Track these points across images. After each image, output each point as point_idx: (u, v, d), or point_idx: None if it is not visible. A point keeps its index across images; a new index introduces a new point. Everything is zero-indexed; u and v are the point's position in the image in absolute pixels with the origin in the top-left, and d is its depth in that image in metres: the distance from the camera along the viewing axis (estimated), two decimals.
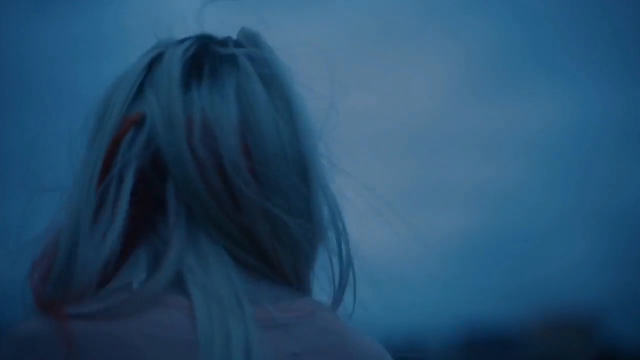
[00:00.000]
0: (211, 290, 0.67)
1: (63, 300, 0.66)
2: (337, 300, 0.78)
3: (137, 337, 0.65)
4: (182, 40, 0.74)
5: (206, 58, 0.73)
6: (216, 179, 0.68)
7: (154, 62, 0.73)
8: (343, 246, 0.77)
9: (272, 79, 0.72)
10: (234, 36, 0.76)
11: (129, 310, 0.65)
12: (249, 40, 0.75)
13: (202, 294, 0.66)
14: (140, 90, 0.72)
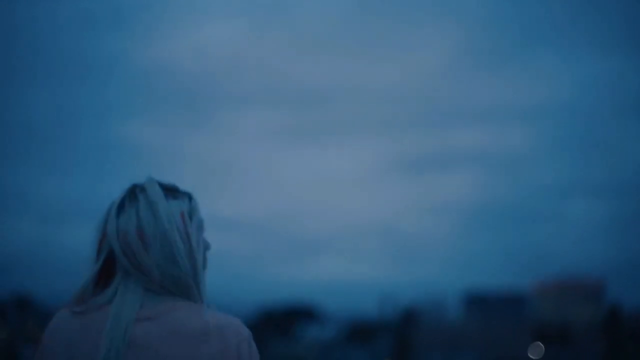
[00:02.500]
0: (118, 303, 1.53)
1: (70, 305, 1.59)
2: (206, 302, 1.61)
3: (82, 324, 1.55)
4: (127, 190, 1.64)
5: (126, 200, 1.60)
6: (130, 255, 1.55)
7: (112, 207, 1.61)
8: (199, 275, 1.59)
9: (153, 202, 1.58)
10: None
11: (87, 312, 1.55)
12: (147, 183, 1.61)
13: (114, 306, 1.53)
14: (107, 219, 1.61)
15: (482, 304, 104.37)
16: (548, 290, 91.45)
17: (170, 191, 1.63)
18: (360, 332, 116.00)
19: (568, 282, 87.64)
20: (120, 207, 1.59)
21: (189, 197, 1.65)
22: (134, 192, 1.60)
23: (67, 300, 1.60)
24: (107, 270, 1.58)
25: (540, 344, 76.18)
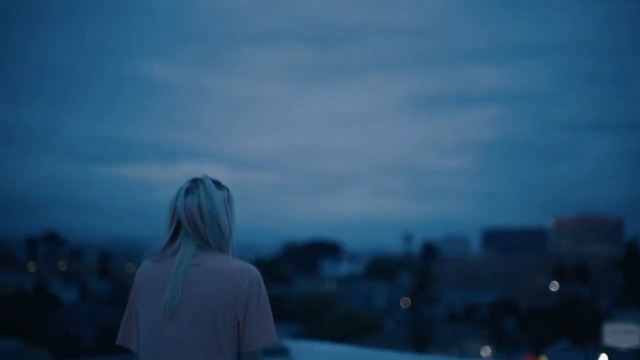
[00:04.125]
0: (181, 254, 2.43)
1: (150, 256, 2.53)
2: (231, 251, 2.53)
3: (158, 269, 2.47)
4: (190, 180, 2.52)
5: (190, 187, 2.49)
6: (192, 224, 2.46)
7: (180, 191, 2.48)
8: (230, 239, 2.49)
9: (208, 190, 2.46)
10: None
11: (161, 260, 2.48)
12: (204, 178, 2.50)
13: (179, 256, 2.44)
14: (177, 198, 2.51)
15: (501, 240, 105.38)
16: (567, 227, 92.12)
17: (216, 184, 2.53)
18: (382, 267, 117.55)
19: (587, 219, 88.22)
20: (187, 191, 2.48)
21: (227, 189, 2.55)
22: (195, 183, 2.51)
23: (149, 253, 2.55)
24: (174, 232, 2.53)
25: (556, 282, 77.32)
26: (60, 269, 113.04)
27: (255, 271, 2.42)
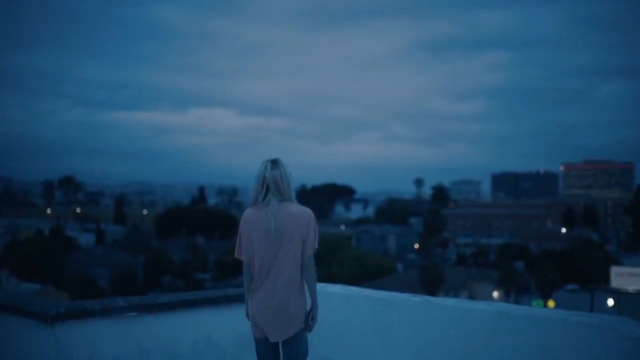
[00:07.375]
0: (272, 205, 4.24)
1: (251, 205, 4.41)
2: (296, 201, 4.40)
3: (259, 213, 4.28)
4: (271, 161, 4.33)
5: (273, 165, 4.29)
6: (275, 187, 4.24)
7: (267, 167, 4.25)
8: (294, 195, 4.32)
9: (284, 167, 4.27)
10: None
11: (259, 208, 4.30)
12: (280, 159, 4.35)
13: (270, 206, 4.24)
14: (265, 171, 4.30)
15: (511, 185, 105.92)
16: (576, 171, 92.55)
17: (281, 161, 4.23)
18: (393, 211, 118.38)
19: (596, 163, 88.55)
20: (272, 168, 4.11)
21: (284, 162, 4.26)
22: (275, 161, 4.16)
23: (249, 203, 4.22)
24: (264, 193, 4.15)
25: (565, 226, 77.91)
26: (76, 212, 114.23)
27: (310, 212, 4.20)
